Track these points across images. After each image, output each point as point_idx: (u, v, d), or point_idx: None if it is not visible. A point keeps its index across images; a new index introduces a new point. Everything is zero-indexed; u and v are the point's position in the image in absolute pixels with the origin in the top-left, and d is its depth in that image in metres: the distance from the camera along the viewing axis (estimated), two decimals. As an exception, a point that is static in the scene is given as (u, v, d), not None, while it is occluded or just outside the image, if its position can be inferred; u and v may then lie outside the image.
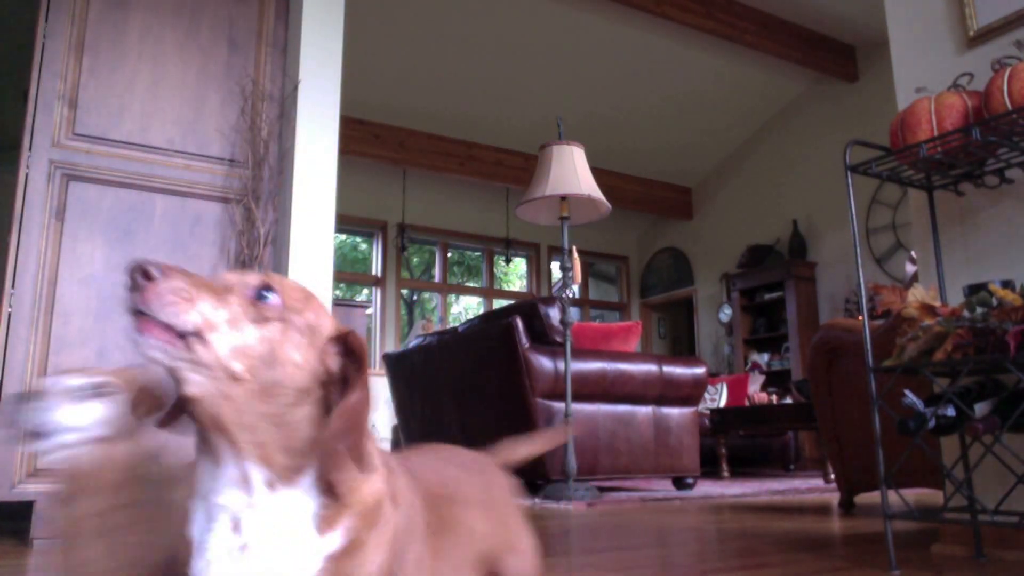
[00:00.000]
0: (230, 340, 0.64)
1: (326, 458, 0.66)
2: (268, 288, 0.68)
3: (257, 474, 0.65)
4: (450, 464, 0.97)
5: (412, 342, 5.04)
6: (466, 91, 7.12)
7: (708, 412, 5.86)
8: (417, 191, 8.34)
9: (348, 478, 0.67)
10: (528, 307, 3.97)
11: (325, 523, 0.67)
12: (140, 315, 0.62)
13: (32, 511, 2.12)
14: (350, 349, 0.69)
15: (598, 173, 4.28)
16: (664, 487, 4.45)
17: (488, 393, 4.05)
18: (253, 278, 0.69)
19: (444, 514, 0.86)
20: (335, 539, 0.67)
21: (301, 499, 0.67)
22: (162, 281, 0.63)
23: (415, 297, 9.40)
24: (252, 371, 0.64)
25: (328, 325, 0.71)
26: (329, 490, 0.67)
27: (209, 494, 0.67)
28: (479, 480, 0.98)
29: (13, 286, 2.23)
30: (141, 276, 0.63)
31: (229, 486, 0.66)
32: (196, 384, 0.63)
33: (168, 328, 0.62)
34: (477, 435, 4.22)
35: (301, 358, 0.67)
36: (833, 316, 7.41)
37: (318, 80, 2.61)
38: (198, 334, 0.63)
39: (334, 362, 0.69)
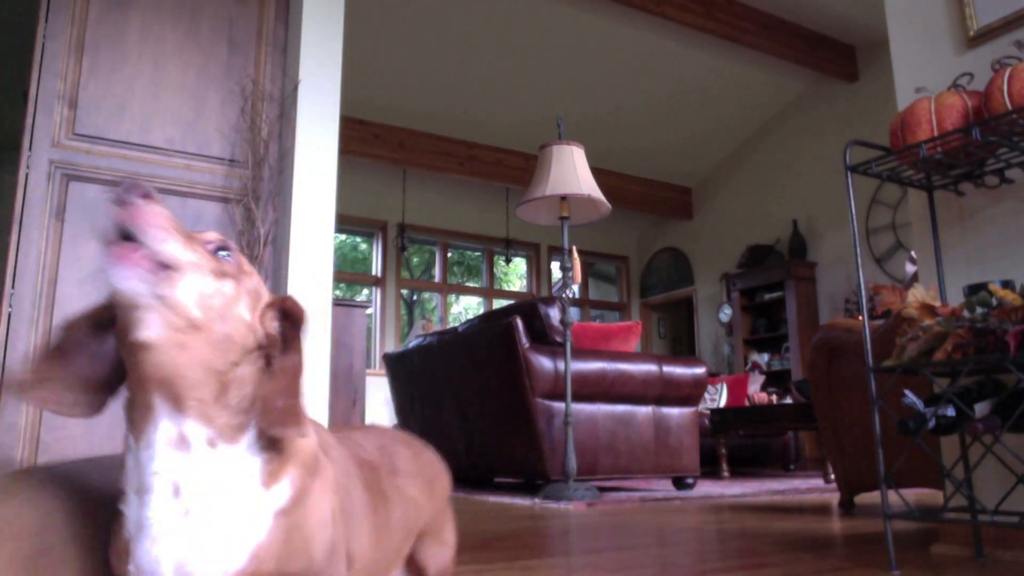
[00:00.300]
0: (195, 285, 0.64)
1: (270, 413, 0.67)
2: (226, 248, 0.70)
3: (197, 432, 0.65)
4: (393, 440, 0.99)
5: (412, 342, 5.05)
6: (466, 91, 7.12)
7: (708, 412, 5.86)
8: (417, 191, 8.34)
9: (289, 433, 0.68)
10: (528, 307, 3.97)
11: (270, 476, 0.68)
12: (118, 243, 0.62)
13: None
14: (287, 312, 0.72)
15: (598, 173, 4.28)
16: (664, 487, 4.45)
17: (488, 393, 4.05)
18: (212, 235, 0.71)
19: (381, 478, 0.88)
20: (283, 492, 0.68)
21: (244, 455, 0.67)
22: (155, 205, 0.64)
23: (415, 297, 9.40)
24: (209, 321, 0.64)
25: (267, 293, 0.74)
26: (271, 445, 0.68)
27: (143, 464, 0.65)
28: (419, 459, 1.00)
29: (13, 286, 2.23)
30: (137, 195, 0.63)
31: (165, 448, 0.65)
32: (154, 328, 0.62)
33: (146, 259, 0.62)
34: (477, 435, 4.22)
35: (249, 317, 0.69)
36: (833, 316, 7.41)
37: (318, 80, 2.61)
38: (173, 270, 0.63)
39: (272, 326, 0.71)
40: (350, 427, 0.98)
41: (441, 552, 1.00)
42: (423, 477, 0.97)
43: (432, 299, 9.20)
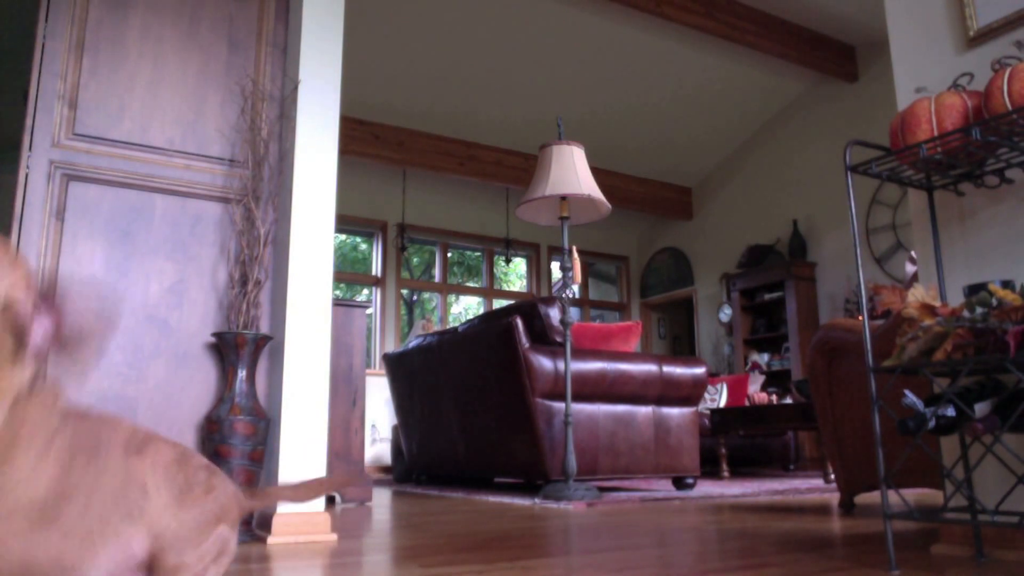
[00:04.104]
0: None
1: None
2: None
3: None
4: (163, 439, 0.99)
5: (412, 342, 5.05)
6: (466, 91, 7.12)
7: (708, 412, 5.86)
8: (417, 191, 8.34)
9: None
10: (528, 307, 3.97)
11: None
12: None
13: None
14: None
15: (598, 173, 4.29)
16: (664, 487, 4.45)
17: (488, 393, 4.05)
18: None
19: (101, 450, 0.89)
20: None
21: None
22: None
23: (415, 297, 9.40)
24: None
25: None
26: None
27: None
28: (187, 469, 0.97)
29: (13, 286, 2.23)
30: None
31: None
32: None
33: None
34: (477, 435, 4.22)
35: None
36: (833, 316, 7.41)
37: (318, 80, 2.61)
38: None
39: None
40: (138, 424, 1.01)
41: (177, 568, 0.93)
42: (173, 480, 0.95)
43: (432, 299, 9.20)
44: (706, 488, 4.23)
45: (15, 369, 0.86)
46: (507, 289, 9.85)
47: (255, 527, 2.33)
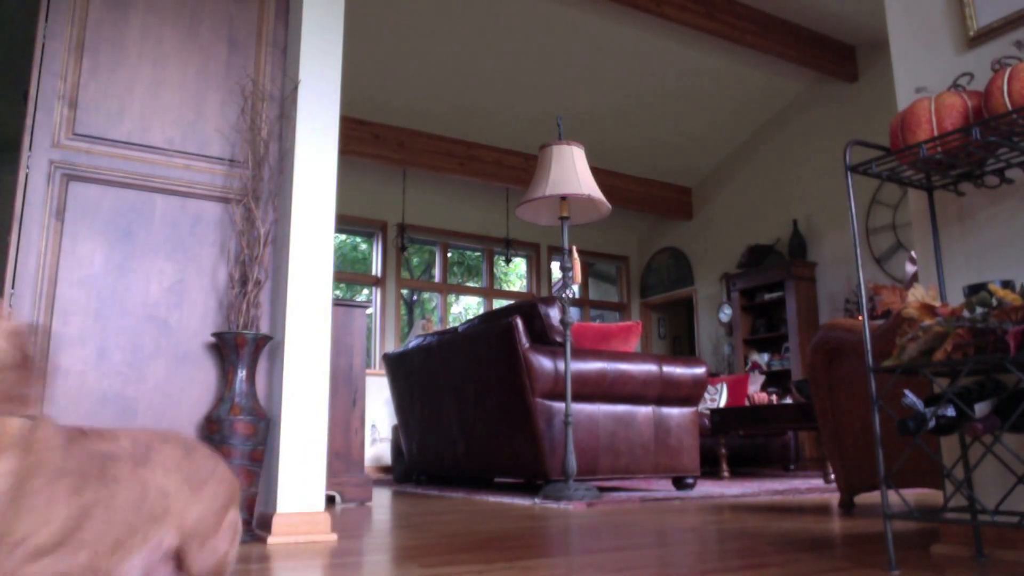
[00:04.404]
0: None
1: None
2: None
3: None
4: (166, 441, 1.05)
5: (412, 342, 5.05)
6: (466, 91, 7.12)
7: (708, 412, 5.86)
8: (417, 191, 8.34)
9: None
10: (528, 307, 3.97)
11: None
12: None
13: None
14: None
15: (598, 173, 4.29)
16: (664, 487, 4.45)
17: (488, 393, 4.05)
18: None
19: (115, 465, 0.95)
20: None
21: None
22: None
23: (415, 297, 9.40)
24: None
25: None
26: None
27: None
28: (190, 461, 1.05)
29: (13, 286, 2.23)
30: None
31: None
32: None
33: None
34: (477, 435, 4.22)
35: None
36: (833, 316, 7.41)
37: (318, 80, 2.61)
38: None
39: None
40: (132, 429, 1.06)
41: (204, 553, 1.04)
42: (185, 475, 1.03)
43: (432, 299, 9.20)
44: (706, 488, 4.23)
45: (13, 421, 0.87)
46: (507, 289, 9.85)
47: (255, 527, 2.33)
